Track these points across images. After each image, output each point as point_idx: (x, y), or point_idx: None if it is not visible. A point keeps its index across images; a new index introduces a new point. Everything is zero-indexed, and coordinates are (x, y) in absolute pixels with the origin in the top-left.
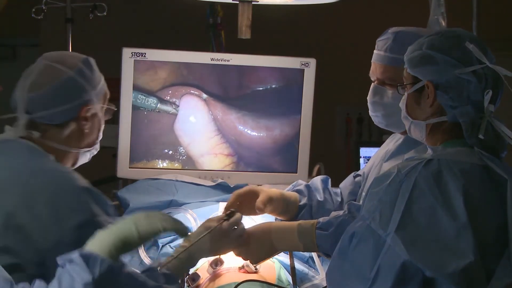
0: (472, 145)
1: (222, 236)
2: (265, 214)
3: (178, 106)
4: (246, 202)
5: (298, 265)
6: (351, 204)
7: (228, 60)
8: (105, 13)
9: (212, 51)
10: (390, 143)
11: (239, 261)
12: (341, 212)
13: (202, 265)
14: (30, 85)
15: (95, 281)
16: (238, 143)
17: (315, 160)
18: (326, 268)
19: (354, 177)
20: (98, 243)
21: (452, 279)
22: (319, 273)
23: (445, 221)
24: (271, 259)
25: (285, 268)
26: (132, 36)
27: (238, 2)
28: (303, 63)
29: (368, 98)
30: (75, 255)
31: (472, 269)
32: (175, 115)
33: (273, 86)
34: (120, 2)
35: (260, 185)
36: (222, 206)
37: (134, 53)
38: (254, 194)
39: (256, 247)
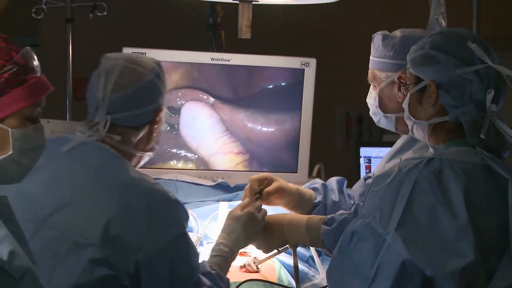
0: (474, 145)
1: (253, 221)
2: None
3: (178, 110)
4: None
5: (299, 265)
6: (359, 205)
7: (228, 60)
8: (105, 13)
9: (212, 51)
10: (399, 144)
11: (241, 261)
12: (347, 212)
13: None
14: (113, 85)
15: None
16: (239, 143)
17: (315, 160)
18: (326, 268)
19: (365, 179)
20: None
21: (452, 278)
22: (319, 273)
23: (446, 221)
24: (271, 259)
25: (285, 268)
26: (132, 36)
27: (238, 2)
28: (303, 63)
29: (367, 99)
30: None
31: (472, 269)
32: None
33: (273, 86)
34: (120, 2)
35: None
36: (222, 206)
37: (134, 53)
38: (269, 182)
39: (269, 236)
